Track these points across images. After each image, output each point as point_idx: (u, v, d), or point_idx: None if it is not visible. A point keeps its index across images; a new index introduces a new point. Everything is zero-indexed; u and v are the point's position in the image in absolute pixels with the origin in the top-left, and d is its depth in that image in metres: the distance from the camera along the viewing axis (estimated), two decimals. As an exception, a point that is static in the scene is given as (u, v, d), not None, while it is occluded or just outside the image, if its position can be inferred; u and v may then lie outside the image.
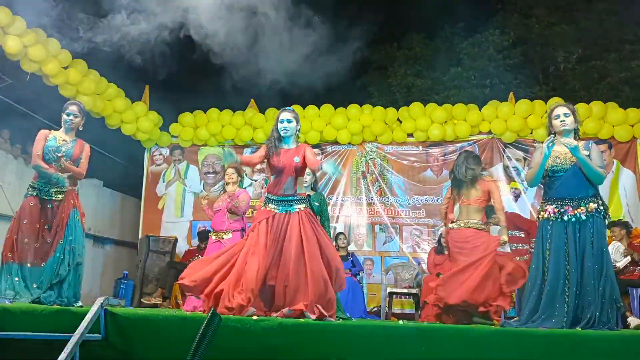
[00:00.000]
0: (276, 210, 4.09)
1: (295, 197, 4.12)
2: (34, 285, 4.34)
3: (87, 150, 4.77)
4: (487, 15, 13.89)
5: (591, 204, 3.98)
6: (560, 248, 3.97)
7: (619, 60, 12.37)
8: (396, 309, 7.96)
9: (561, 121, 4.13)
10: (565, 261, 3.93)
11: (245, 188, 6.12)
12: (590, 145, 4.13)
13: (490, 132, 8.39)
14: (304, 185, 4.57)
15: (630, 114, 7.87)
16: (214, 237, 5.83)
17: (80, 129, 4.81)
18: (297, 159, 4.10)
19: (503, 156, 8.39)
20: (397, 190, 8.62)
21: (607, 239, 4.09)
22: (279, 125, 4.18)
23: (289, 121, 4.17)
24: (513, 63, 13.20)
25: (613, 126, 7.90)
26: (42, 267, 4.43)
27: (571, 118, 4.12)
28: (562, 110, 4.17)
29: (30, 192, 4.59)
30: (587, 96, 11.35)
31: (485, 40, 13.45)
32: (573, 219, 3.97)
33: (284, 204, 4.10)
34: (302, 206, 4.11)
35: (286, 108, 4.28)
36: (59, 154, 4.59)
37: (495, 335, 3.09)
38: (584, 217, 3.95)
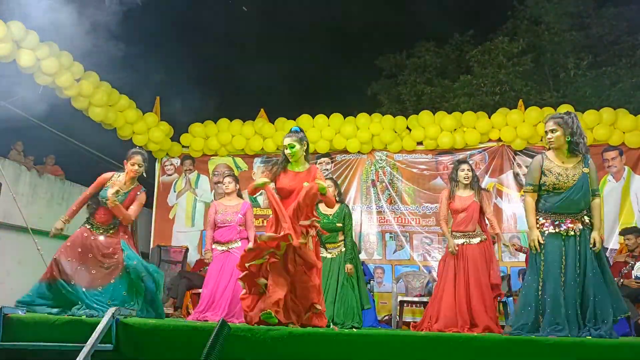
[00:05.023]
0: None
1: (307, 222, 4.03)
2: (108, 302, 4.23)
3: (141, 198, 4.68)
4: (497, 23, 13.92)
5: (586, 217, 3.96)
6: (556, 261, 3.90)
7: (629, 67, 12.32)
8: (407, 318, 7.92)
9: (548, 138, 4.04)
10: (562, 274, 3.86)
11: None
12: (589, 162, 4.01)
13: (500, 140, 8.36)
14: None
15: (641, 120, 7.82)
16: (220, 248, 5.74)
17: (144, 176, 4.78)
18: (306, 185, 4.06)
19: (513, 163, 8.36)
20: (407, 198, 8.61)
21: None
22: (285, 152, 4.17)
23: (291, 147, 4.14)
24: (523, 70, 13.16)
25: (624, 132, 7.84)
26: (102, 290, 4.34)
27: (558, 133, 3.99)
28: (549, 125, 4.03)
29: (85, 224, 4.62)
30: (597, 102, 11.31)
31: (495, 48, 13.44)
32: (572, 232, 3.92)
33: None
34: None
35: (291, 130, 4.25)
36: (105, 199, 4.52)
37: (504, 344, 3.08)
38: (581, 230, 3.92)
